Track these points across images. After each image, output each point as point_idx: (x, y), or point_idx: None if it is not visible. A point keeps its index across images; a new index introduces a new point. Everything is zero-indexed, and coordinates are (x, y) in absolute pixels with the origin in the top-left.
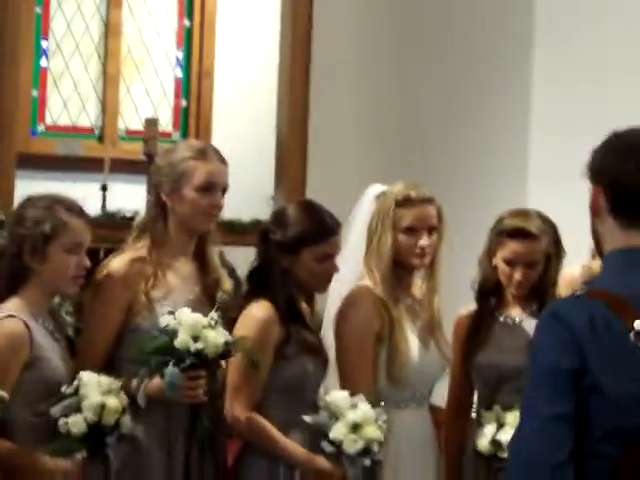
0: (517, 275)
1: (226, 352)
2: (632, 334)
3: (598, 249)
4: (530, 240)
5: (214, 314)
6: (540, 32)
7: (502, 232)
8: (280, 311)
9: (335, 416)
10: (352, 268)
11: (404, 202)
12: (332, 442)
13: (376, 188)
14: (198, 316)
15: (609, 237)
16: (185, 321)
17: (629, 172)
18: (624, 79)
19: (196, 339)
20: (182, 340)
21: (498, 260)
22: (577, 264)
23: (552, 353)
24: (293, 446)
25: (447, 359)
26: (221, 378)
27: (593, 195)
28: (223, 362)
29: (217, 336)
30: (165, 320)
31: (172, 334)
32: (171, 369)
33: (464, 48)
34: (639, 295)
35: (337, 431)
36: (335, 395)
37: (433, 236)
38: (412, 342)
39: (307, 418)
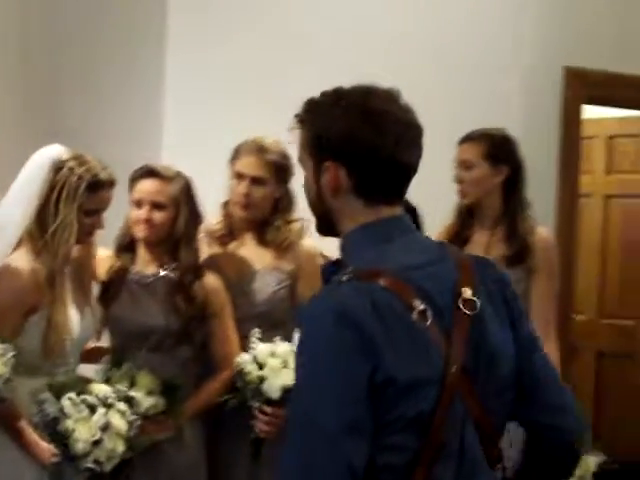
0: (142, 213)
1: None
2: (415, 313)
3: (329, 228)
4: (157, 179)
5: None
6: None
7: (134, 176)
8: None
9: None
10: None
11: (95, 185)
12: None
13: (54, 151)
14: None
15: (348, 214)
16: None
17: (386, 146)
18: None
19: None
20: None
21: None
22: None
23: (344, 358)
24: None
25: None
26: None
27: (331, 173)
28: None
29: None
30: None
31: None
32: None
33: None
34: (404, 269)
35: None
36: None
37: None
38: (72, 315)
39: None
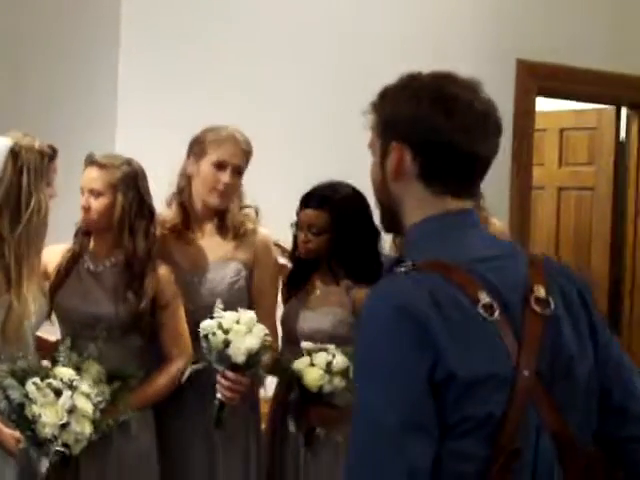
0: (82, 201)
1: None
2: (480, 307)
3: (394, 221)
4: (95, 167)
5: None
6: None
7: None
8: None
9: None
10: None
11: (52, 155)
12: None
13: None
14: None
15: (413, 203)
16: None
17: (453, 131)
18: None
19: None
20: None
21: None
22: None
23: (404, 354)
24: None
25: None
26: None
27: (396, 154)
28: None
29: None
30: None
31: None
32: None
33: None
34: (469, 261)
35: None
36: None
37: None
38: (31, 304)
39: None
